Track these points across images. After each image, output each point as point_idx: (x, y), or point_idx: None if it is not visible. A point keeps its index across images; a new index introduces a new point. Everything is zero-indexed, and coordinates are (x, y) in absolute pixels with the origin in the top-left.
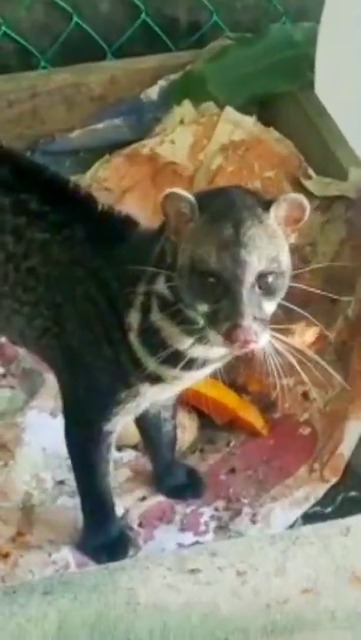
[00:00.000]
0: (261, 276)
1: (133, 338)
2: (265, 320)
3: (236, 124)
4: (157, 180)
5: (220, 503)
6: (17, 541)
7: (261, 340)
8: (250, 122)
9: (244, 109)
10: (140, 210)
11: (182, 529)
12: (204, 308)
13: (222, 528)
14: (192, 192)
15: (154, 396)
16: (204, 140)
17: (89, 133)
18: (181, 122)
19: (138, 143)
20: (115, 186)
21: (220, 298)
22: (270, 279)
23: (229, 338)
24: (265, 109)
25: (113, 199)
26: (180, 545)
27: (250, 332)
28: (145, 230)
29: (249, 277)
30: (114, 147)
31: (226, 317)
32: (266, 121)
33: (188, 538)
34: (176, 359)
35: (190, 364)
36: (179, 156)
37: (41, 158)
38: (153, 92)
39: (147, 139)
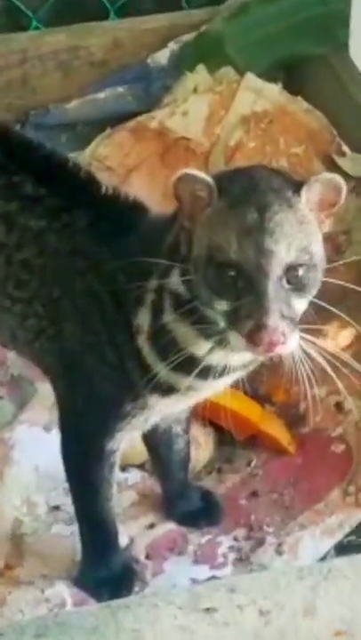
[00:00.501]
0: (290, 269)
1: (142, 341)
2: (294, 319)
3: (258, 93)
4: (167, 158)
5: (241, 532)
6: (5, 576)
7: (290, 343)
8: (274, 90)
9: (267, 76)
10: (148, 192)
11: (196, 561)
12: (223, 305)
13: (243, 560)
14: (209, 172)
15: (165, 410)
16: (221, 112)
17: (88, 104)
18: (195, 90)
19: (145, 115)
20: (118, 165)
21: (241, 294)
22: (301, 272)
23: (253, 340)
24: (292, 75)
25: (116, 180)
26: (194, 580)
27: (277, 332)
28: (156, 217)
29: (275, 269)
30: (117, 119)
31: (249, 316)
32: (293, 89)
33: (203, 572)
34: (191, 366)
35: (208, 373)
36: (192, 129)
37: (33, 133)
38: (162, 57)
39: (155, 110)
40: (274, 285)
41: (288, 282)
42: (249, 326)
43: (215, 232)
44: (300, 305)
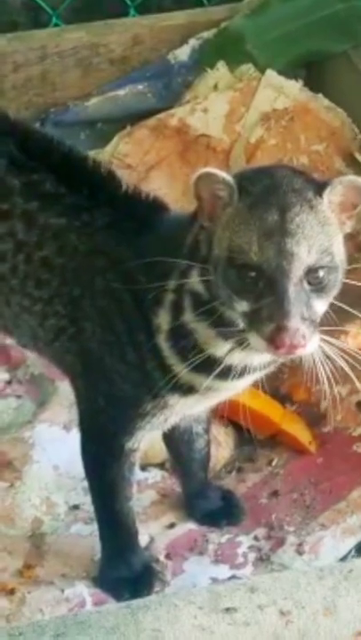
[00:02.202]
0: (311, 271)
1: (162, 341)
2: (314, 321)
3: (279, 90)
4: (187, 156)
5: (261, 531)
6: (24, 575)
7: (310, 345)
8: (295, 87)
9: (288, 73)
10: (168, 190)
11: (216, 561)
12: (243, 306)
13: (263, 560)
14: (230, 171)
15: (185, 410)
16: (241, 109)
17: (108, 101)
18: (215, 88)
19: (165, 113)
20: (138, 163)
21: (262, 295)
22: (321, 274)
23: (273, 342)
24: (312, 73)
25: (136, 178)
26: (214, 579)
27: (297, 335)
28: (176, 216)
29: (296, 271)
30: (137, 117)
31: (269, 318)
32: (313, 86)
33: (224, 571)
34: (211, 366)
35: (227, 373)
36: (212, 127)
37: (52, 130)
38: (182, 54)
39: (175, 107)
40: (295, 287)
41: (309, 283)
42: (269, 328)
43: (236, 233)
44: (321, 306)
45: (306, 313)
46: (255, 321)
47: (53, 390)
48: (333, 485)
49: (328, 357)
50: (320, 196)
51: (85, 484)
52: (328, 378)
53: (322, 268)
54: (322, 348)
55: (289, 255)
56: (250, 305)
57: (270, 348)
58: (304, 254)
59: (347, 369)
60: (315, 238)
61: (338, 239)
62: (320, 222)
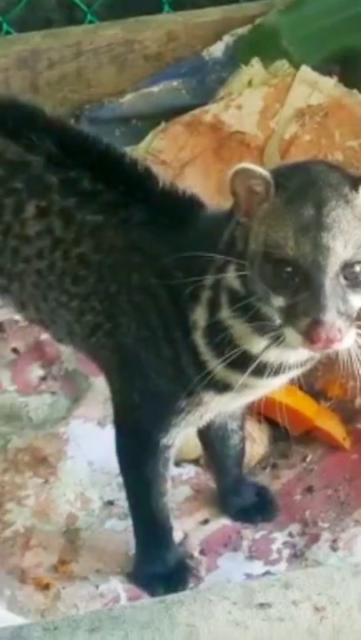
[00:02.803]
0: (347, 266)
1: (198, 337)
2: (351, 316)
3: (313, 86)
4: (221, 153)
5: (295, 527)
6: (59, 571)
7: (347, 339)
8: (330, 83)
9: (322, 69)
10: (202, 187)
11: (251, 557)
12: (279, 301)
13: (297, 556)
14: (264, 168)
15: (220, 407)
16: (276, 105)
17: (142, 98)
18: (250, 84)
19: (199, 109)
20: (172, 159)
21: (298, 290)
22: (358, 269)
23: (309, 336)
24: (347, 68)
25: (170, 174)
26: (248, 575)
27: (333, 329)
28: (213, 212)
29: (333, 266)
30: (171, 113)
31: (305, 312)
32: (348, 82)
33: (258, 567)
34: (247, 363)
35: (263, 370)
36: (247, 123)
37: (87, 127)
38: (217, 50)
39: (209, 104)
40: (331, 282)
41: (345, 278)
42: (305, 323)
43: (272, 228)
44: (357, 301)
45: (342, 307)
46: (291, 316)
47: (88, 386)
48: None
49: None
50: (356, 190)
51: (120, 479)
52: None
53: (358, 262)
54: (358, 343)
55: (325, 250)
56: (286, 300)
57: (306, 343)
58: (340, 249)
59: None
60: (351, 233)
61: None
62: (356, 217)
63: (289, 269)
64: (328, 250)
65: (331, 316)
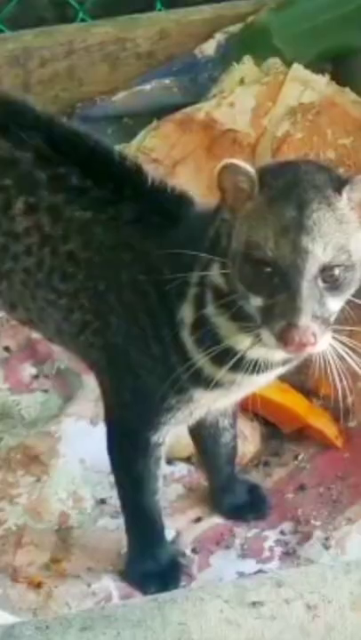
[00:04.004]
0: (326, 269)
1: (186, 335)
2: (327, 319)
3: (305, 84)
4: (214, 150)
5: (288, 525)
6: (51, 569)
7: (321, 343)
8: (322, 81)
9: (314, 67)
10: (194, 185)
11: (243, 555)
12: (257, 301)
13: (290, 554)
14: (256, 166)
15: (209, 404)
16: (268, 103)
17: (134, 96)
18: (242, 82)
19: (191, 107)
20: (164, 157)
21: (276, 291)
22: (337, 272)
23: (283, 339)
24: (339, 66)
25: (162, 172)
26: (241, 574)
27: (307, 333)
28: (202, 209)
29: (311, 269)
30: (163, 111)
31: (281, 314)
32: (340, 80)
33: (250, 565)
34: (234, 360)
35: (250, 367)
36: (239, 121)
37: (79, 125)
38: (209, 48)
39: (202, 102)
40: (308, 284)
41: (323, 281)
42: (280, 325)
43: (253, 228)
44: (335, 304)
45: (318, 311)
46: (267, 317)
47: (80, 384)
48: (360, 479)
49: (340, 357)
50: (339, 193)
51: (112, 477)
52: (343, 374)
53: (338, 266)
54: (334, 348)
55: (304, 253)
56: (264, 300)
57: (280, 345)
58: (319, 252)
59: (356, 367)
60: (331, 236)
61: (357, 237)
62: (338, 220)
63: (268, 270)
64: (307, 253)
65: (305, 321)
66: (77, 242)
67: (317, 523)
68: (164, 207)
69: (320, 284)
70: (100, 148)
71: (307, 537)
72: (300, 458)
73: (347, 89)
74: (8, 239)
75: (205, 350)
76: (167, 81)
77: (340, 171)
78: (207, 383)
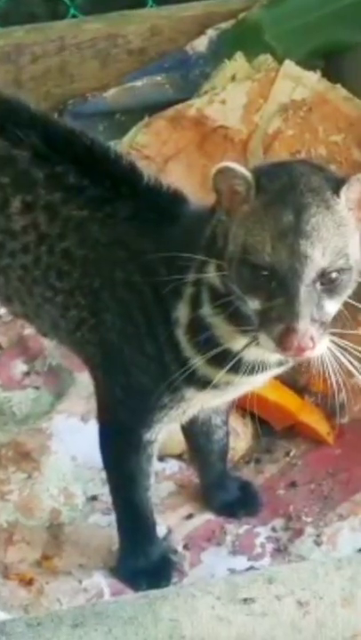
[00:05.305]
0: (325, 273)
1: (180, 334)
2: (325, 322)
3: (297, 81)
4: (205, 147)
5: (279, 522)
6: (43, 566)
7: (319, 347)
8: (313, 78)
9: (306, 63)
10: (185, 181)
11: (234, 552)
12: (255, 305)
13: (281, 551)
14: (247, 163)
15: (203, 403)
16: (259, 100)
17: (126, 92)
18: (233, 78)
19: (183, 104)
20: (156, 153)
21: (273, 295)
22: (335, 275)
23: (281, 343)
24: (331, 63)
25: (154, 169)
26: (232, 570)
27: (305, 337)
28: (197, 208)
29: (309, 274)
30: (155, 108)
31: (279, 318)
32: (332, 77)
33: (241, 562)
34: (228, 361)
35: (245, 368)
36: (230, 118)
37: (70, 121)
38: (200, 45)
39: (193, 98)
40: (306, 289)
41: (321, 284)
42: (278, 329)
43: (250, 232)
44: (332, 307)
45: (316, 315)
46: (265, 320)
47: (71, 381)
48: (352, 476)
49: (336, 360)
50: (337, 194)
51: (103, 474)
52: (335, 374)
53: (336, 270)
54: (331, 351)
55: (302, 257)
56: (261, 304)
57: (278, 349)
58: (318, 257)
59: (355, 373)
60: (330, 240)
61: (354, 239)
62: (336, 223)
63: (265, 273)
64: (305, 257)
65: (304, 325)
66: (74, 240)
67: (309, 519)
68: (159, 205)
69: (318, 287)
70: (96, 147)
71: (298, 533)
72: (291, 454)
73: (338, 85)
74: (5, 237)
75: (200, 350)
76: (159, 77)
77: (332, 168)
78: (201, 383)
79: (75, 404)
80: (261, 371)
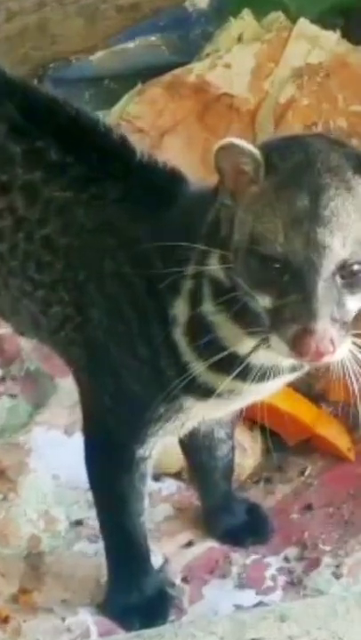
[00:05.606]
0: (346, 265)
1: (178, 335)
2: (346, 323)
3: (313, 42)
4: (207, 119)
5: (292, 551)
6: (20, 601)
7: (340, 351)
8: (332, 38)
9: (324, 22)
10: (184, 158)
11: (241, 585)
12: (265, 301)
13: (294, 584)
14: (256, 137)
15: (204, 414)
16: (270, 64)
17: (115, 55)
18: (240, 39)
19: (181, 68)
20: (150, 126)
21: (287, 291)
22: (357, 268)
23: (297, 347)
24: (351, 22)
25: (148, 144)
26: (238, 607)
27: (325, 339)
28: (197, 189)
29: (328, 266)
30: (149, 73)
31: (293, 318)
32: (353, 37)
33: (249, 597)
34: (233, 366)
35: (253, 374)
36: (236, 85)
37: (52, 89)
38: (202, 0)
39: (193, 62)
40: (325, 284)
41: (342, 277)
42: (293, 331)
43: (259, 217)
44: (355, 304)
45: (337, 313)
46: (277, 320)
47: (52, 388)
48: None
49: (359, 361)
50: (359, 174)
51: (90, 496)
52: (358, 377)
53: (358, 262)
54: (353, 354)
55: (320, 247)
56: (272, 301)
57: (292, 354)
58: (338, 246)
59: None
60: (351, 227)
61: None
62: (358, 207)
63: (277, 266)
64: (324, 247)
65: (323, 325)
66: (56, 226)
67: (327, 548)
68: (154, 186)
69: (338, 281)
70: (82, 119)
71: (314, 564)
72: (306, 473)
73: (360, 47)
74: None
75: (201, 353)
76: (153, 38)
77: (354, 142)
78: (202, 391)
79: (56, 414)
80: (272, 377)
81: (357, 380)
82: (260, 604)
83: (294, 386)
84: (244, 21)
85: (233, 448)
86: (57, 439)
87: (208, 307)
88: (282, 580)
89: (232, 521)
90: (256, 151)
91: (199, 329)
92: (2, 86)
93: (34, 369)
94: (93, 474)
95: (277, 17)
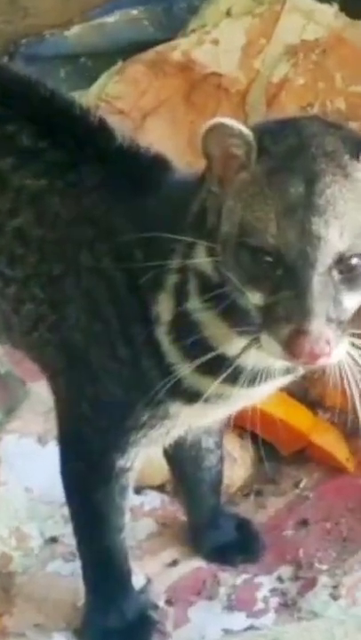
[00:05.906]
0: (343, 259)
1: (162, 334)
2: (343, 322)
3: (308, 16)
4: (193, 99)
5: (286, 570)
6: None
7: (336, 353)
8: (329, 13)
9: None
10: (169, 142)
11: (230, 607)
12: (256, 298)
13: (288, 606)
14: (247, 120)
15: (190, 421)
16: (261, 40)
17: (93, 30)
18: (228, 13)
19: (165, 44)
20: (131, 107)
21: (279, 286)
22: (355, 261)
23: (290, 348)
24: None
25: (129, 126)
26: (227, 631)
27: (320, 341)
28: (183, 176)
29: (324, 259)
30: (130, 50)
31: (287, 317)
32: (352, 11)
33: (239, 620)
34: (221, 368)
35: (243, 377)
36: (224, 63)
37: (24, 67)
38: None
39: (178, 38)
40: (321, 279)
41: (339, 272)
42: (286, 331)
43: (250, 206)
44: (353, 302)
45: (333, 312)
46: (269, 319)
47: (24, 394)
48: None
49: (357, 364)
50: (357, 159)
51: (65, 510)
52: (358, 381)
53: (357, 254)
54: (350, 355)
55: (315, 239)
56: (264, 298)
57: (286, 355)
58: (334, 238)
59: None
60: (349, 217)
61: None
62: (357, 195)
63: (269, 259)
64: (319, 239)
65: (318, 325)
66: (28, 216)
67: (323, 567)
68: (135, 172)
69: (335, 276)
70: (57, 100)
71: (310, 584)
72: (301, 485)
73: (360, 22)
74: None
75: (187, 354)
76: (134, 12)
77: (352, 125)
78: (188, 396)
79: (29, 422)
80: (264, 381)
81: (356, 385)
82: (250, 627)
83: (288, 390)
84: None
85: (222, 458)
86: (29, 449)
87: (194, 303)
88: (275, 601)
89: (220, 538)
90: (248, 132)
91: (185, 327)
92: None
93: (4, 372)
94: (69, 486)
95: None
